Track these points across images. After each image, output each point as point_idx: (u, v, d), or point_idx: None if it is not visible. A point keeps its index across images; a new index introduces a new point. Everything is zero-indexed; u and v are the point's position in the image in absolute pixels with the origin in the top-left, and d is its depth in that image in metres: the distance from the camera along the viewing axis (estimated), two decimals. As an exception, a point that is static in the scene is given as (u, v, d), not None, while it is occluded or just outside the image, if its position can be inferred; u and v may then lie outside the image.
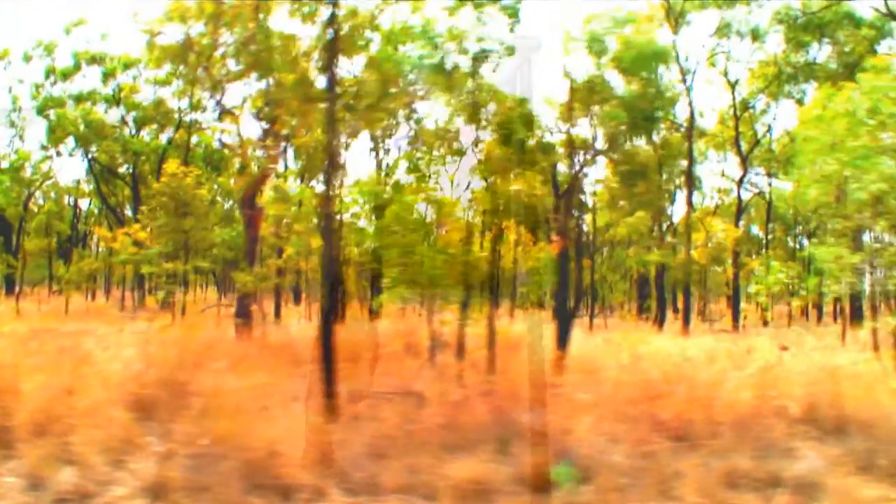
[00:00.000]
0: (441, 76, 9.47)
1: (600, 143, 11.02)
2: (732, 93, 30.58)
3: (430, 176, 17.88)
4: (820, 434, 7.18)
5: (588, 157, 11.12)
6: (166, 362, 10.00)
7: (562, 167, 25.63)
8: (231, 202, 35.97)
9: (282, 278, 27.53)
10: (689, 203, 28.09)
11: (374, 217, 20.91)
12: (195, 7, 15.12)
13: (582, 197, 25.43)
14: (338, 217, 22.62)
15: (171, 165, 20.63)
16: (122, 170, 37.83)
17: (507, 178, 11.76)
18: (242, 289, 15.70)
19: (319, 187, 24.62)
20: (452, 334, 10.14)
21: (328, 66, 7.25)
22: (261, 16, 13.40)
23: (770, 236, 41.73)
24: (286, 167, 28.02)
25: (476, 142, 19.50)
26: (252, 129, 24.74)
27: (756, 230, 44.56)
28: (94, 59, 33.37)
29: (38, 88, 34.42)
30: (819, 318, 38.52)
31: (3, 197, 36.51)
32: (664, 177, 33.94)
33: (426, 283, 9.19)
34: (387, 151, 25.08)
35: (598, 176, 29.78)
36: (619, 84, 11.57)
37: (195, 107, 31.15)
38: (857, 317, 20.79)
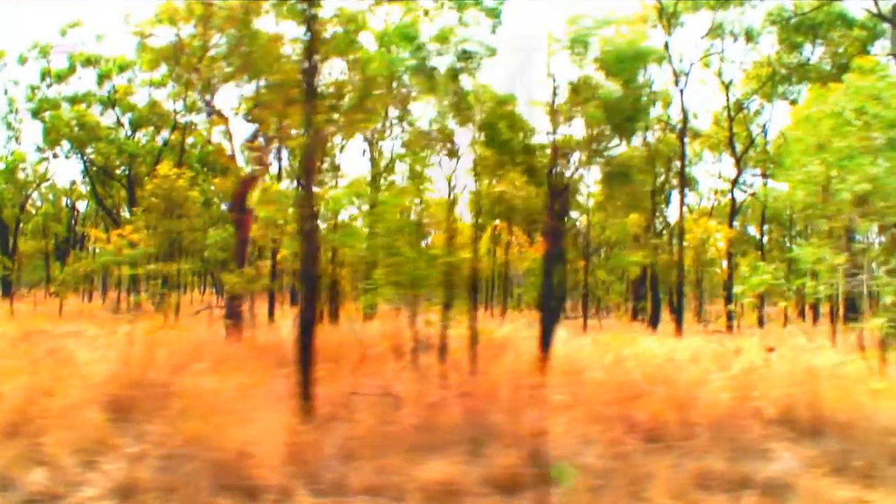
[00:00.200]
0: (424, 77, 9.50)
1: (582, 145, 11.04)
2: (726, 94, 30.64)
3: (421, 177, 17.83)
4: (796, 435, 7.17)
5: (571, 158, 11.16)
6: (151, 364, 10.03)
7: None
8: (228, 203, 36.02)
9: (277, 280, 27.59)
10: (682, 204, 28.14)
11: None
12: (184, 9, 15.16)
13: (579, 198, 25.46)
14: (333, 218, 22.72)
15: (164, 167, 20.67)
16: (117, 171, 37.90)
17: (496, 179, 11.79)
18: (231, 290, 15.72)
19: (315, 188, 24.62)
20: (437, 335, 10.13)
21: (306, 67, 7.26)
22: (251, 17, 13.39)
23: (766, 237, 41.77)
24: (280, 169, 28.13)
25: (472, 143, 19.57)
26: (244, 131, 24.83)
27: (753, 231, 44.64)
28: (89, 61, 33.42)
29: (33, 90, 34.52)
30: (815, 318, 38.56)
31: (-1, 198, 36.63)
32: (661, 178, 34.10)
33: (409, 284, 9.20)
34: (380, 153, 25.12)
35: (595, 177, 30.02)
36: (609, 86, 11.62)
37: (190, 108, 31.20)
38: (851, 317, 20.81)
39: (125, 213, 38.84)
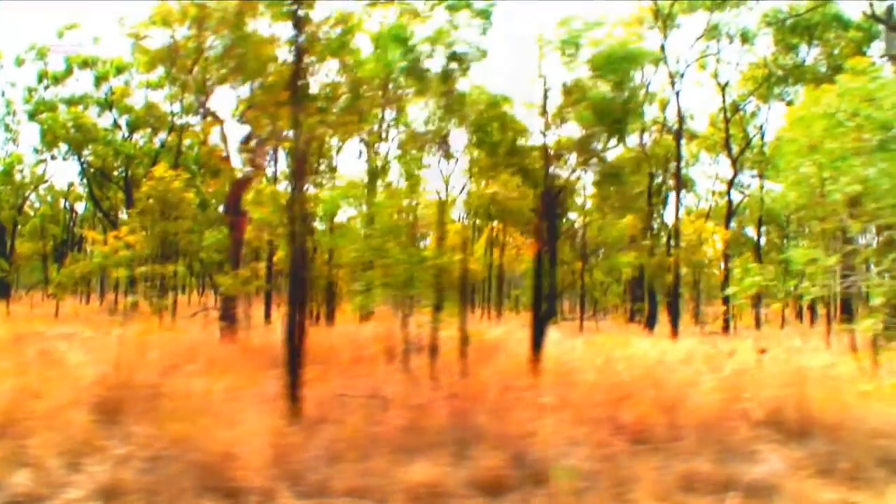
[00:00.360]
0: (416, 79, 9.50)
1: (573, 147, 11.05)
2: (723, 95, 30.66)
3: (416, 178, 17.82)
4: (784, 437, 7.16)
5: (563, 160, 11.15)
6: (142, 365, 10.01)
7: (561, 170, 25.93)
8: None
9: (273, 282, 27.55)
10: (677, 206, 28.19)
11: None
12: (178, 11, 15.16)
13: (575, 200, 25.51)
14: (329, 220, 22.71)
15: (160, 169, 20.67)
16: (115, 173, 37.90)
17: (489, 181, 11.80)
18: (226, 292, 15.72)
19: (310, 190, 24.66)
20: (428, 337, 10.12)
21: (295, 68, 7.26)
22: (244, 19, 13.39)
23: (763, 238, 41.79)
24: (276, 170, 28.13)
25: (468, 145, 19.57)
26: (240, 132, 24.85)
27: (752, 232, 44.65)
28: (86, 63, 33.43)
29: (30, 92, 34.52)
30: (812, 319, 38.58)
31: (-4, 200, 36.63)
32: (658, 179, 34.12)
33: (399, 286, 9.20)
34: (377, 154, 25.12)
35: (591, 179, 30.02)
36: (600, 87, 11.63)
37: (187, 110, 31.18)
38: (846, 318, 20.81)
39: (123, 215, 38.84)
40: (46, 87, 34.37)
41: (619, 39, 10.20)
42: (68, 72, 34.02)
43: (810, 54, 27.31)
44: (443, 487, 5.60)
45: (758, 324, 32.54)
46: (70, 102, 34.20)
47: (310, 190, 20.64)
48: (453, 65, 9.16)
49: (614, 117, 10.08)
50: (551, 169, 10.56)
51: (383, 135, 24.40)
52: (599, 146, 10.97)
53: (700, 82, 31.82)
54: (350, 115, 10.58)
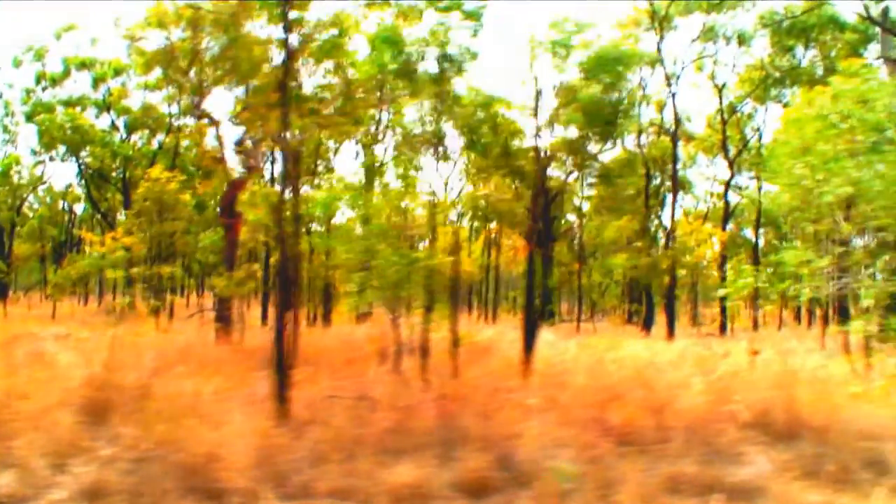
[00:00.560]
0: (407, 81, 9.49)
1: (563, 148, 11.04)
2: (720, 97, 30.67)
3: (410, 179, 17.82)
4: (771, 439, 7.15)
5: (554, 161, 11.14)
6: (133, 366, 10.00)
7: (555, 171, 26.02)
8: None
9: (271, 283, 27.51)
10: (674, 207, 28.20)
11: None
12: (173, 13, 15.18)
13: (569, 201, 25.48)
14: (326, 221, 22.69)
15: (156, 170, 20.69)
16: (113, 175, 37.91)
17: (482, 182, 11.78)
18: (220, 293, 15.72)
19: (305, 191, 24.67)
20: (419, 339, 10.12)
21: (283, 70, 7.27)
22: (237, 21, 13.40)
23: (762, 240, 41.80)
24: (273, 172, 28.12)
25: (463, 147, 19.56)
26: (236, 134, 24.82)
27: (750, 234, 44.65)
28: (83, 65, 33.46)
29: (28, 94, 34.56)
30: (810, 321, 38.56)
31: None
32: (656, 181, 34.14)
33: (389, 287, 9.20)
34: (373, 156, 25.10)
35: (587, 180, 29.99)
36: (593, 89, 11.63)
37: (185, 111, 31.22)
38: (842, 320, 20.78)
39: (121, 217, 38.86)
40: (44, 89, 34.42)
41: (611, 41, 10.21)
42: (66, 73, 34.06)
43: (807, 56, 27.37)
44: (426, 489, 5.59)
45: (755, 325, 32.52)
46: (68, 104, 34.24)
47: (306, 191, 20.69)
48: (445, 66, 9.14)
49: (605, 119, 10.07)
50: (542, 170, 10.54)
51: (380, 136, 24.40)
52: (593, 148, 10.98)
53: (697, 84, 31.94)
54: (341, 117, 10.57)
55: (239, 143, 15.31)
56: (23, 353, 11.15)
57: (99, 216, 41.38)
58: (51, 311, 27.77)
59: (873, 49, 25.65)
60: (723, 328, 27.51)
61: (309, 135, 11.18)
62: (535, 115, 10.35)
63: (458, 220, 38.89)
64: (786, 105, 28.94)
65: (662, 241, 34.01)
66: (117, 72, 33.92)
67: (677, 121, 27.20)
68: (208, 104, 17.85)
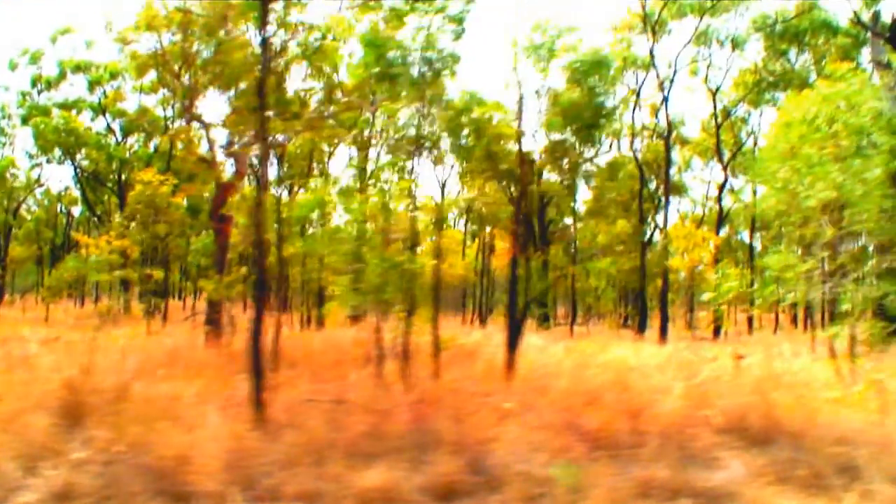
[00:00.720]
0: (390, 84, 9.53)
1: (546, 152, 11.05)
2: (713, 101, 30.70)
3: (399, 183, 17.78)
4: (746, 444, 7.13)
5: (538, 165, 11.16)
6: (116, 369, 9.99)
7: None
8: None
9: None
10: (667, 211, 28.23)
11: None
12: (163, 17, 15.21)
13: (561, 205, 25.50)
14: (322, 223, 22.68)
15: (147, 173, 20.72)
16: (109, 177, 37.93)
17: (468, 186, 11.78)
18: (210, 297, 15.73)
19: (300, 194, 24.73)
20: (401, 342, 10.13)
21: (261, 73, 7.28)
22: (225, 25, 13.43)
23: (759, 244, 41.78)
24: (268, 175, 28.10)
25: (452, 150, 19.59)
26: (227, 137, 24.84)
27: (746, 237, 44.66)
28: (79, 68, 33.51)
29: (24, 96, 34.61)
30: (806, 324, 38.54)
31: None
32: (652, 185, 34.14)
33: (370, 291, 9.20)
34: (366, 159, 25.16)
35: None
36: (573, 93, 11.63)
37: (179, 114, 31.24)
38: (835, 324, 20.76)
39: (117, 219, 38.84)
40: (40, 92, 34.47)
41: (593, 45, 10.26)
42: (62, 76, 34.10)
43: (800, 60, 27.39)
44: (395, 492, 5.59)
45: (750, 329, 32.53)
46: (64, 107, 34.27)
47: (301, 194, 20.67)
48: (424, 70, 9.18)
49: (586, 123, 10.08)
50: (528, 174, 10.57)
51: (374, 140, 24.43)
52: (572, 150, 10.99)
53: (691, 88, 31.96)
54: (324, 120, 10.59)
55: (228, 146, 15.35)
56: (5, 356, 11.14)
57: (95, 219, 41.41)
58: (44, 313, 27.75)
59: (866, 53, 25.73)
60: (717, 332, 27.51)
61: (292, 138, 11.17)
62: (519, 118, 10.38)
63: (454, 224, 39.03)
64: (780, 108, 28.97)
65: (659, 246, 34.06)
66: (113, 75, 33.95)
67: (670, 124, 27.22)
68: (202, 107, 17.92)
